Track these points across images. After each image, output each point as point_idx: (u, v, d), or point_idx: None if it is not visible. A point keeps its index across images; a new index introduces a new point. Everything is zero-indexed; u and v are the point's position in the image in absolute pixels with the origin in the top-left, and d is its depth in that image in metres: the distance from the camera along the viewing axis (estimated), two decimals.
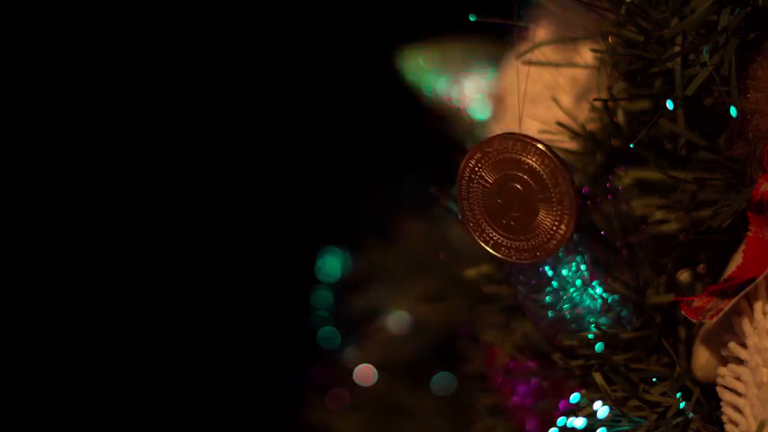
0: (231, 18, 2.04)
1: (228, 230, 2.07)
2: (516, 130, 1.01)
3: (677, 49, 1.01)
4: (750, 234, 1.00)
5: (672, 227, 1.09)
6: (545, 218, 1.00)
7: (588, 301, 1.09)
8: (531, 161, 0.99)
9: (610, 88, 1.09)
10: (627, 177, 1.11)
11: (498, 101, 1.37)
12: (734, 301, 0.97)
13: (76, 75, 2.04)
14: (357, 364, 1.64)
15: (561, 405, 1.11)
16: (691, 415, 1.03)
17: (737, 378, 1.00)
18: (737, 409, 1.00)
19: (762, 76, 0.99)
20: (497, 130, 1.27)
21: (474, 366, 1.33)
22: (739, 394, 1.00)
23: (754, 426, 0.98)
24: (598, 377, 1.05)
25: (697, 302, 1.00)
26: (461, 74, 1.55)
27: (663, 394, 1.04)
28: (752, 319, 0.99)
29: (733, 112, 0.98)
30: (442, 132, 1.54)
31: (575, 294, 1.09)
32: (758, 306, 0.99)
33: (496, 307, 1.19)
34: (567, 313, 1.09)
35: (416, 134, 1.57)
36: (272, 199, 2.05)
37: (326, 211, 1.94)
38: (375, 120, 1.98)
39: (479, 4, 1.12)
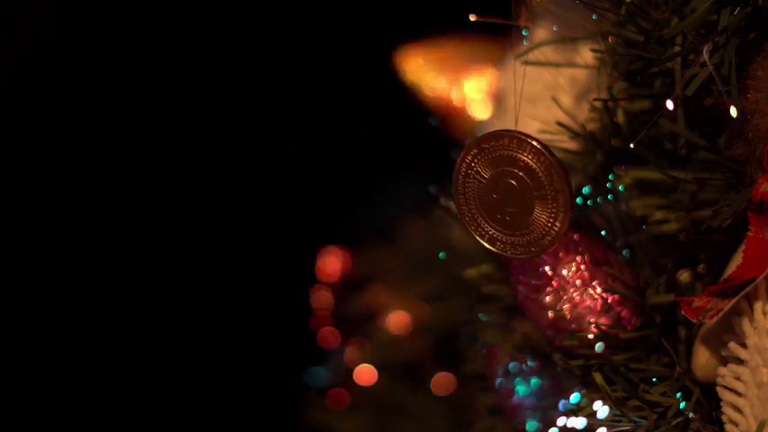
0: (231, 18, 2.04)
1: (229, 230, 2.07)
2: (513, 128, 1.01)
3: (677, 49, 1.01)
4: (750, 234, 1.00)
5: (672, 227, 1.09)
6: (540, 214, 1.01)
7: (588, 301, 1.09)
8: (527, 158, 1.00)
9: (610, 88, 1.09)
10: (627, 177, 1.11)
11: (498, 101, 1.37)
12: (734, 301, 0.97)
13: (76, 75, 2.04)
14: (357, 364, 1.64)
15: (561, 405, 1.11)
16: (691, 415, 1.03)
17: (737, 378, 1.00)
18: (737, 409, 1.00)
19: (762, 76, 0.99)
20: (496, 128, 1.27)
21: (474, 366, 1.33)
22: (739, 394, 1.00)
23: (754, 426, 0.98)
24: (598, 377, 1.05)
25: (697, 302, 1.00)
26: (461, 74, 1.55)
27: (663, 394, 1.04)
28: (752, 319, 0.99)
29: (733, 112, 0.98)
30: (441, 132, 1.54)
31: (575, 294, 1.09)
32: (758, 306, 0.99)
33: (496, 307, 1.19)
34: (566, 313, 1.09)
35: (416, 134, 1.57)
36: (272, 199, 2.05)
37: (326, 211, 1.94)
38: (375, 120, 1.98)
39: (479, 4, 1.12)
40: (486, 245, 1.03)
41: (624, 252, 1.10)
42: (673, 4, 1.01)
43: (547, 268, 1.09)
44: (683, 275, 1.10)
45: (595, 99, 1.10)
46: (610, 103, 1.09)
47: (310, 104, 2.03)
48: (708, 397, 1.05)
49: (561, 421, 1.07)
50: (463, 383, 1.51)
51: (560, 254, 1.08)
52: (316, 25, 2.02)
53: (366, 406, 1.63)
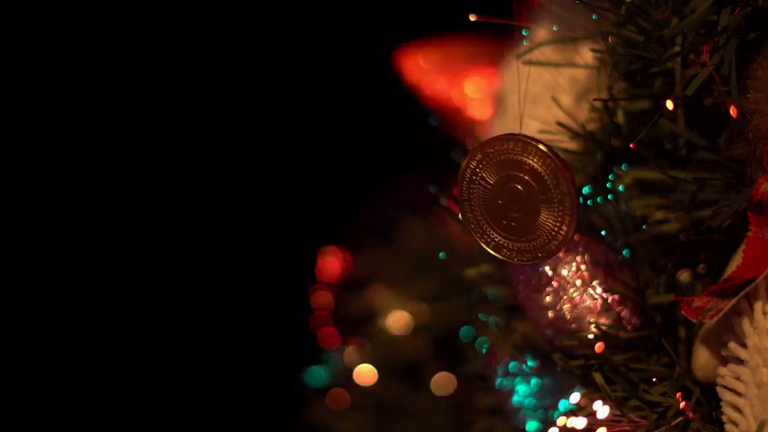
0: (231, 18, 2.04)
1: (229, 230, 2.07)
2: (517, 131, 1.01)
3: (677, 49, 1.01)
4: (750, 234, 1.00)
5: (672, 227, 1.09)
6: (546, 219, 1.00)
7: (588, 301, 1.09)
8: (533, 162, 0.99)
9: (610, 88, 1.09)
10: (627, 177, 1.11)
11: (498, 101, 1.37)
12: (734, 301, 0.97)
13: (76, 74, 2.04)
14: (357, 364, 1.64)
15: (561, 405, 1.11)
16: (691, 415, 1.03)
17: (737, 378, 1.00)
18: (737, 409, 1.00)
19: (762, 76, 0.99)
20: (498, 130, 1.27)
21: (474, 366, 1.33)
22: (739, 394, 1.00)
23: (754, 426, 0.98)
24: (598, 377, 1.05)
25: (697, 302, 1.00)
26: (462, 74, 1.55)
27: (663, 394, 1.04)
28: (752, 319, 0.99)
29: (733, 112, 0.98)
30: (441, 132, 1.54)
31: (575, 294, 1.09)
32: (758, 306, 0.99)
33: (496, 307, 1.19)
34: (566, 313, 1.09)
35: (416, 134, 1.57)
36: (272, 199, 2.05)
37: (326, 211, 1.94)
38: (375, 120, 1.98)
39: (479, 4, 1.12)
40: (493, 252, 1.03)
41: (624, 252, 1.10)
42: (673, 4, 1.01)
43: (547, 268, 1.09)
44: (683, 275, 1.10)
45: (595, 99, 1.10)
46: (610, 103, 1.09)
47: (310, 104, 2.03)
48: (708, 397, 1.05)
49: (561, 421, 1.07)
50: (463, 383, 1.51)
51: (560, 254, 1.07)
52: (316, 25, 2.02)
53: (366, 406, 1.63)
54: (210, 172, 2.06)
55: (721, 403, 1.02)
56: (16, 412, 2.04)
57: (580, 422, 1.05)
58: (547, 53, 1.15)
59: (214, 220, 2.06)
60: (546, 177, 0.99)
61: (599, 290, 1.08)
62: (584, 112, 1.14)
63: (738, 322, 1.00)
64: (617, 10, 1.04)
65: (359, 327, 1.67)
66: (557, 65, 1.15)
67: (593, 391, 1.06)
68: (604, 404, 1.04)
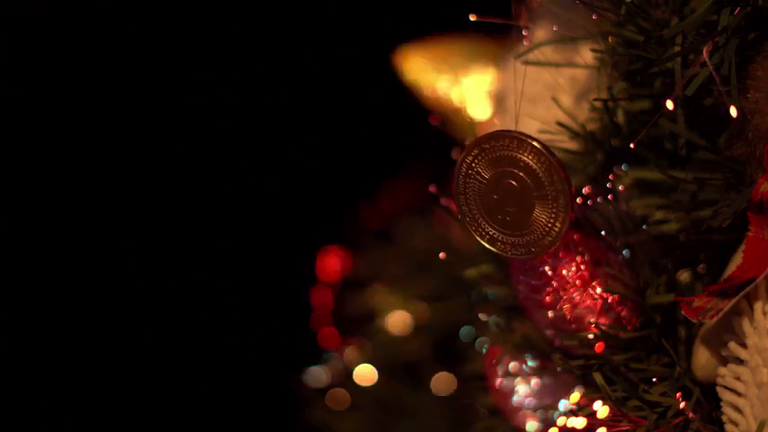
0: (231, 18, 2.04)
1: (229, 230, 2.07)
2: (513, 128, 1.02)
3: (677, 49, 1.01)
4: (750, 234, 1.00)
5: (672, 227, 1.09)
6: (540, 215, 1.01)
7: (588, 301, 1.09)
8: (527, 158, 1.00)
9: (610, 88, 1.09)
10: (627, 177, 1.11)
11: (498, 101, 1.37)
12: (734, 301, 0.97)
13: (76, 74, 2.04)
14: (357, 364, 1.64)
15: (561, 405, 1.11)
16: (691, 415, 1.03)
17: (737, 378, 1.00)
18: (737, 409, 1.00)
19: (762, 76, 0.99)
20: (496, 129, 1.27)
21: (474, 366, 1.33)
22: (739, 394, 1.00)
23: (754, 426, 0.98)
24: (598, 377, 1.05)
25: (697, 302, 1.00)
26: (461, 74, 1.54)
27: (663, 394, 1.04)
28: (752, 319, 0.99)
29: (733, 112, 0.98)
30: (441, 132, 1.54)
31: (575, 294, 1.09)
32: (758, 306, 0.99)
33: (496, 307, 1.19)
34: (566, 313, 1.09)
35: (416, 133, 1.57)
36: (272, 199, 2.05)
37: (326, 211, 1.94)
38: (375, 119, 1.98)
39: (479, 4, 1.12)
40: (487, 245, 1.04)
41: (624, 252, 1.10)
42: (673, 4, 1.01)
43: (547, 268, 1.09)
44: (683, 275, 1.10)
45: (595, 99, 1.10)
46: (610, 103, 1.09)
47: (310, 104, 2.03)
48: (708, 397, 1.04)
49: (561, 421, 1.07)
50: (463, 383, 1.51)
51: (560, 254, 1.08)
52: (316, 25, 2.02)
53: (366, 406, 1.63)
54: (211, 172, 2.06)
55: (721, 403, 1.02)
56: (16, 412, 2.04)
57: (580, 422, 1.05)
58: (547, 53, 1.15)
59: (214, 220, 2.06)
60: (540, 174, 1.00)
61: (599, 290, 1.08)
62: (584, 112, 1.14)
63: (738, 322, 1.00)
64: (617, 10, 1.04)
65: (359, 327, 1.67)
66: (556, 65, 1.15)
67: (593, 391, 1.06)
68: (604, 404, 1.04)
